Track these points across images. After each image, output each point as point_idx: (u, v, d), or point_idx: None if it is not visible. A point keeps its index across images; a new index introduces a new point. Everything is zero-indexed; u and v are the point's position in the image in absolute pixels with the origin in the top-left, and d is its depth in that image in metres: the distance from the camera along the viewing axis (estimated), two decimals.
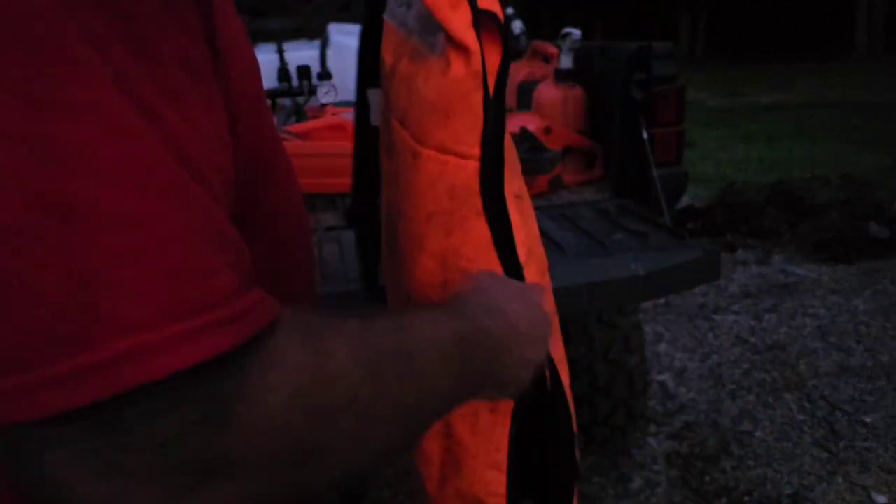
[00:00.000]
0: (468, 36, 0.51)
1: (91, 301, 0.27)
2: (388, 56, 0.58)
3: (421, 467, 0.63)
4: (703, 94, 10.60)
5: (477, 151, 0.54)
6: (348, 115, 1.93)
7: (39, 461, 0.29)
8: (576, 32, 2.15)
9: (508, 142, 0.58)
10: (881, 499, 2.04)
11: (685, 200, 4.42)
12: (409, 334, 0.43)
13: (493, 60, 0.53)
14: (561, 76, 2.18)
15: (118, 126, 0.29)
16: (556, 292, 1.51)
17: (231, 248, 0.33)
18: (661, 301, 3.39)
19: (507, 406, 0.62)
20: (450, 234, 0.55)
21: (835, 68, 13.35)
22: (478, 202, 0.54)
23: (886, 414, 2.45)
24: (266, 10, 3.06)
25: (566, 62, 2.18)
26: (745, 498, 2.09)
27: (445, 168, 0.54)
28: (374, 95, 0.71)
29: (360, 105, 0.77)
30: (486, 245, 0.56)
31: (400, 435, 0.42)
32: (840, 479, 2.13)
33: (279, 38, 2.69)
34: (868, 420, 2.42)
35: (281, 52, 2.51)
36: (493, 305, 0.51)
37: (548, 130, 2.05)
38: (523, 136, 2.00)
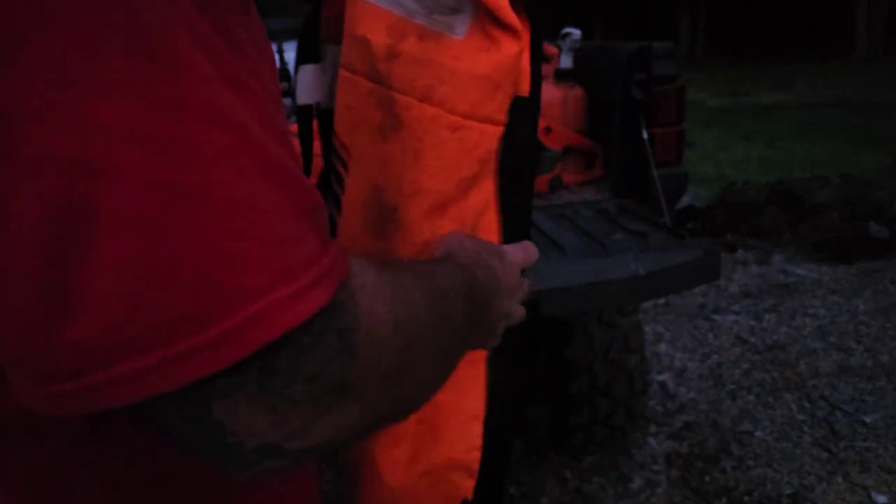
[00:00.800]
0: (513, 17, 0.57)
1: (218, 277, 0.32)
2: (378, 37, 0.57)
3: (384, 454, 0.65)
4: (703, 94, 10.61)
5: (505, 117, 0.59)
6: None
7: (208, 412, 0.34)
8: (576, 32, 2.15)
9: None
10: (881, 499, 2.04)
11: (685, 200, 4.41)
12: (440, 279, 0.49)
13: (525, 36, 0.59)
14: (561, 76, 2.18)
15: (227, 119, 0.33)
16: (557, 292, 1.52)
17: (315, 211, 0.38)
18: (661, 301, 3.39)
19: (481, 356, 0.66)
20: (468, 195, 0.60)
21: (835, 68, 13.35)
22: (494, 163, 0.60)
23: (886, 414, 2.45)
24: (266, 10, 3.06)
25: (566, 62, 2.18)
26: (745, 498, 2.09)
27: (483, 136, 0.58)
28: (303, 73, 0.71)
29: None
30: (491, 200, 0.62)
31: (446, 368, 0.49)
32: (840, 479, 2.14)
33: (279, 38, 2.69)
34: (868, 420, 2.42)
35: (281, 52, 2.51)
36: (480, 261, 0.57)
37: (548, 130, 2.05)
38: None
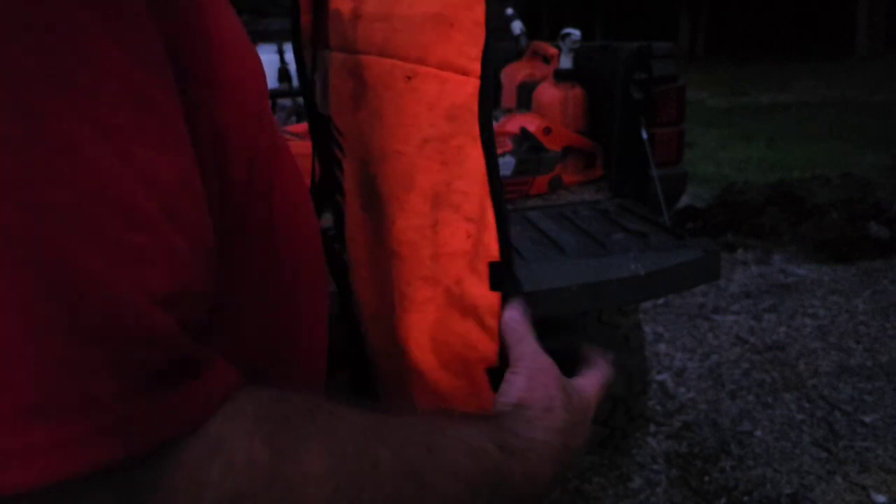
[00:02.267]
0: None
1: None
2: (344, 4, 0.55)
3: None
4: (703, 94, 10.61)
5: (478, 67, 0.51)
6: None
7: None
8: (575, 33, 2.15)
9: None
10: (880, 498, 2.04)
11: (685, 200, 4.42)
12: (433, 455, 0.34)
13: None
14: (561, 76, 2.19)
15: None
16: (557, 292, 1.52)
17: (136, 344, 0.27)
18: (661, 301, 3.39)
19: None
20: (445, 163, 0.51)
21: (835, 68, 13.35)
22: (475, 126, 0.51)
23: (886, 414, 2.45)
24: (266, 11, 3.06)
25: (566, 62, 2.18)
26: (745, 497, 2.09)
27: (445, 87, 0.50)
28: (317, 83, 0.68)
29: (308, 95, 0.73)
30: (482, 177, 0.52)
31: None
32: (839, 479, 2.14)
33: (279, 38, 2.69)
34: (867, 420, 2.42)
35: (281, 52, 2.51)
36: (540, 422, 0.44)
37: (548, 130, 2.05)
38: (523, 136, 2.00)
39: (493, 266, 0.53)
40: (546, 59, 2.46)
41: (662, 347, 3.00)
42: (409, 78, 0.50)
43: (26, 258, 0.25)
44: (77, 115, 0.27)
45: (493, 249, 0.53)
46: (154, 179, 0.29)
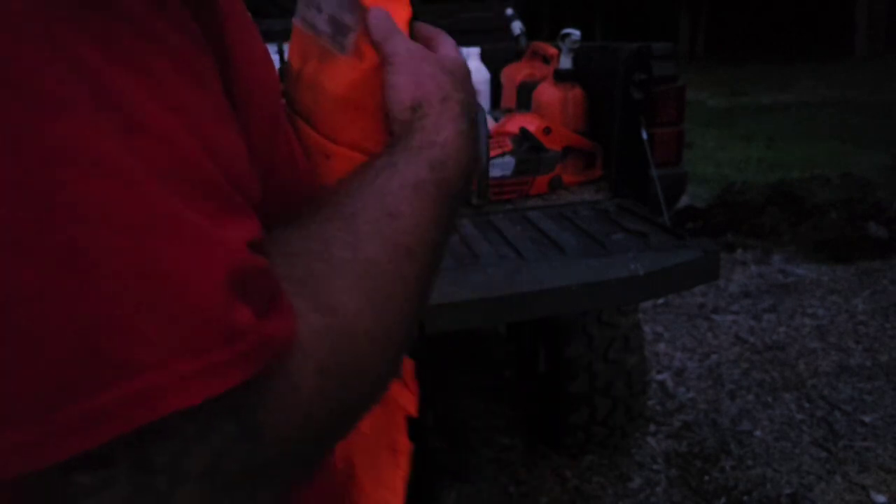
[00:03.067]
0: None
1: (97, 346, 0.27)
2: (295, 59, 0.55)
3: None
4: (703, 94, 10.61)
5: (376, 147, 0.51)
6: None
7: None
8: (575, 33, 2.15)
9: None
10: (880, 498, 2.05)
11: (685, 200, 4.42)
12: (399, 220, 0.39)
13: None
14: (561, 76, 2.19)
15: (106, 167, 0.28)
16: (557, 292, 1.53)
17: (250, 276, 0.31)
18: (661, 301, 3.39)
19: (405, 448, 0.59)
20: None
21: (835, 68, 13.35)
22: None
23: (885, 413, 2.45)
24: (266, 11, 3.06)
25: (566, 62, 2.18)
26: (745, 497, 2.09)
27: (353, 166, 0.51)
28: None
29: None
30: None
31: (414, 318, 0.41)
32: (839, 479, 2.14)
33: (279, 38, 2.69)
34: (867, 420, 2.42)
35: (281, 52, 2.51)
36: (445, 117, 0.46)
37: (548, 130, 2.05)
38: (523, 136, 2.01)
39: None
40: (546, 60, 2.47)
41: (662, 347, 3.01)
42: (327, 157, 0.51)
43: (167, 225, 0.28)
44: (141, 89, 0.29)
45: (410, 407, 0.56)
46: (218, 149, 0.32)
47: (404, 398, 0.57)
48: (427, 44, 0.52)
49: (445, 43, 0.53)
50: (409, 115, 0.46)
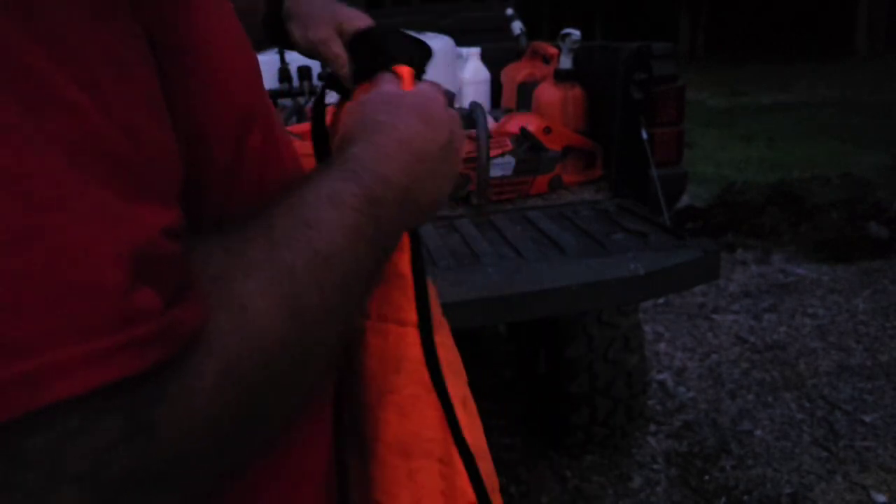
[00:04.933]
0: None
1: None
2: None
3: None
4: (703, 94, 10.61)
5: (413, 317, 0.52)
6: None
7: None
8: (575, 33, 2.15)
9: (450, 342, 0.56)
10: (880, 498, 2.05)
11: (685, 200, 4.42)
12: (316, 230, 0.38)
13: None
14: (561, 76, 2.19)
15: (3, 133, 0.26)
16: (557, 292, 1.53)
17: (157, 259, 0.29)
18: (661, 300, 3.39)
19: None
20: (403, 415, 0.52)
21: (835, 68, 13.35)
22: (426, 374, 0.52)
23: (886, 413, 2.45)
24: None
25: (566, 62, 2.18)
26: (745, 497, 2.09)
27: (388, 340, 0.52)
28: None
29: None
30: (441, 420, 0.52)
31: (336, 336, 0.40)
32: (839, 479, 2.14)
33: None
34: (867, 419, 2.42)
35: (281, 52, 2.51)
36: (387, 139, 0.46)
37: (548, 130, 2.06)
38: (523, 136, 2.01)
39: None
40: (546, 59, 2.47)
41: (662, 347, 3.01)
42: (360, 332, 0.52)
43: (67, 196, 0.27)
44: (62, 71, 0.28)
45: (468, 494, 0.53)
46: (137, 134, 0.31)
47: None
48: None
49: (432, 92, 0.52)
50: (346, 143, 0.46)
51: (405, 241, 0.53)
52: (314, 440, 0.49)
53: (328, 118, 0.62)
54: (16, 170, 0.26)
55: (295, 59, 2.51)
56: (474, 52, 2.59)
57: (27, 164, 0.26)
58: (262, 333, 0.33)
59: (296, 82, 2.39)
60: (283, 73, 2.43)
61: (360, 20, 0.61)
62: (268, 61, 2.45)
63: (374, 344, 0.52)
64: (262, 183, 0.43)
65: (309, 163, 0.60)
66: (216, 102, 0.38)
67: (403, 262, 0.53)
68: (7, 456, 0.26)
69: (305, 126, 2.06)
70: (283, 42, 0.64)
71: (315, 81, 2.39)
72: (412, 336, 0.52)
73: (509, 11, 2.91)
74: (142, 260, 0.28)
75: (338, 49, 0.60)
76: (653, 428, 2.46)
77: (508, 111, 2.44)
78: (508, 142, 1.99)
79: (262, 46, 0.69)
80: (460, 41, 2.60)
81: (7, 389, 0.25)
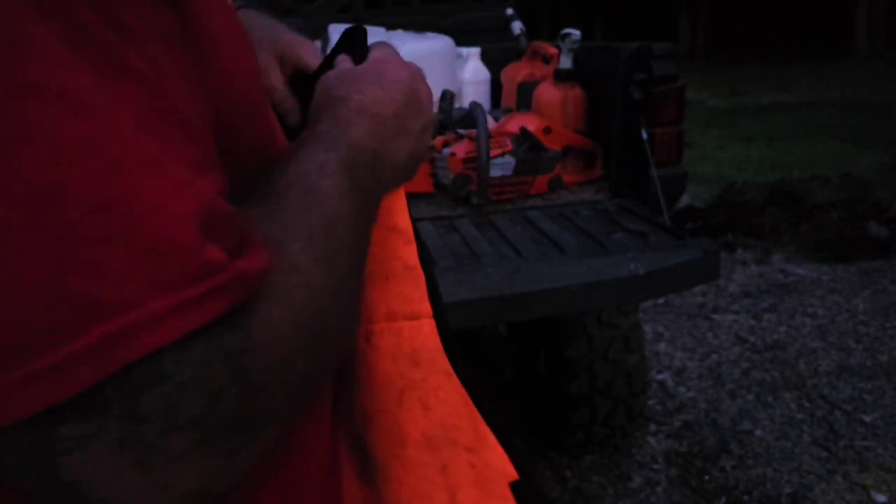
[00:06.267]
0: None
1: (69, 287, 0.27)
2: None
3: None
4: (703, 94, 10.60)
5: (427, 307, 0.53)
6: None
7: (57, 466, 0.27)
8: (575, 33, 2.15)
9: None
10: (880, 498, 2.05)
11: (685, 200, 4.42)
12: (319, 196, 0.41)
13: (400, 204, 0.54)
14: (561, 76, 2.19)
15: (82, 104, 0.28)
16: (557, 292, 1.53)
17: (219, 219, 0.31)
18: (661, 300, 3.39)
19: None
20: (427, 408, 0.51)
21: (835, 68, 13.35)
22: (445, 361, 0.52)
23: (886, 413, 2.45)
24: (267, 11, 3.06)
25: (566, 62, 2.18)
26: (745, 497, 2.09)
27: (401, 336, 0.52)
28: None
29: None
30: (465, 404, 0.53)
31: (360, 294, 0.44)
32: (839, 478, 2.14)
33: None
34: (867, 419, 2.42)
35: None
36: (346, 110, 0.47)
37: (548, 130, 2.06)
38: (523, 136, 2.01)
39: (513, 486, 0.53)
40: (546, 59, 2.47)
41: (662, 347, 3.01)
42: (367, 338, 0.52)
43: (140, 163, 0.29)
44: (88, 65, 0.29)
45: (506, 468, 0.53)
46: (191, 103, 0.34)
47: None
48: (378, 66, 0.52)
49: (391, 60, 0.53)
50: (313, 124, 0.47)
51: (409, 231, 0.53)
52: (313, 446, 0.49)
53: None
54: (93, 136, 0.28)
55: None
56: (474, 52, 2.59)
57: (104, 130, 0.28)
58: (314, 288, 0.37)
59: None
60: None
61: (302, 48, 0.59)
62: None
63: (385, 345, 0.52)
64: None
65: None
66: (230, 89, 0.40)
67: (411, 253, 0.53)
68: (125, 410, 0.28)
69: None
70: None
71: None
72: (427, 326, 0.53)
73: (509, 11, 2.90)
74: (207, 219, 0.30)
75: (276, 81, 0.58)
76: (653, 428, 2.46)
77: (508, 111, 2.44)
78: (508, 142, 1.99)
79: None
80: (460, 41, 2.60)
81: (108, 345, 0.27)
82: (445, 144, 2.02)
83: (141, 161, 0.29)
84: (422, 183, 2.01)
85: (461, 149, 1.93)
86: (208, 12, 0.39)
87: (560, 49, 2.22)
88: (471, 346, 2.98)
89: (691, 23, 19.88)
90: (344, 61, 0.54)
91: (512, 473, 0.53)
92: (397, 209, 0.55)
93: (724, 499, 2.09)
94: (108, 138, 0.28)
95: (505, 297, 1.50)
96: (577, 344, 2.08)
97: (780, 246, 4.03)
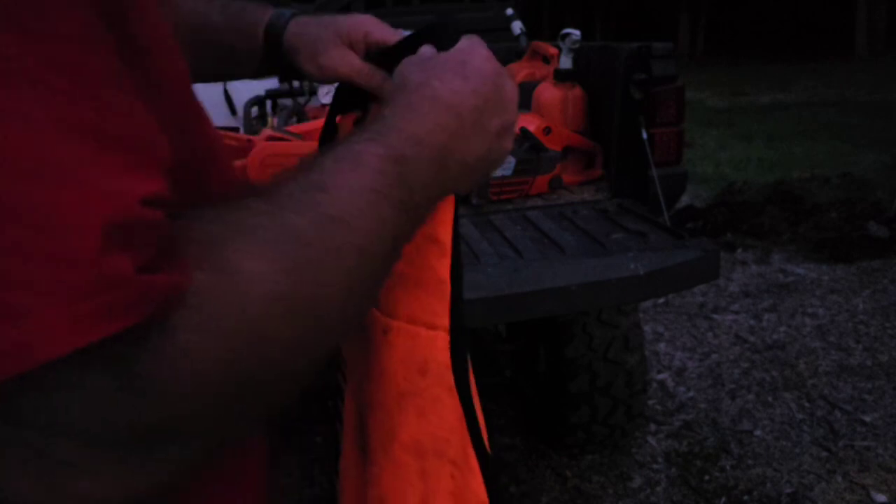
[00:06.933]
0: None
1: None
2: None
3: None
4: (703, 94, 10.61)
5: (446, 322, 0.53)
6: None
7: None
8: (575, 33, 2.15)
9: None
10: (881, 497, 2.05)
11: (685, 200, 4.43)
12: (330, 192, 0.37)
13: (446, 222, 0.53)
14: (561, 76, 2.19)
15: None
16: (557, 292, 1.53)
17: (134, 227, 0.30)
18: (661, 300, 3.39)
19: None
20: (422, 415, 0.52)
21: (835, 68, 13.35)
22: (450, 377, 0.52)
23: (886, 413, 2.45)
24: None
25: (566, 62, 2.18)
26: (745, 497, 2.09)
27: (416, 342, 0.52)
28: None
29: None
30: (460, 423, 0.53)
31: (359, 298, 0.39)
32: (839, 478, 2.14)
33: None
34: (867, 419, 2.42)
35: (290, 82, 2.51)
36: (419, 97, 0.44)
37: (548, 130, 2.06)
38: (523, 136, 2.01)
39: None
40: (546, 59, 2.47)
41: (662, 347, 3.01)
42: (385, 332, 0.52)
43: (43, 168, 0.28)
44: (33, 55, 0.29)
45: (481, 495, 0.54)
46: (114, 107, 0.31)
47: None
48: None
49: (475, 48, 0.50)
50: (382, 108, 0.45)
51: (447, 243, 0.53)
52: (251, 448, 0.49)
53: (346, 126, 0.60)
54: (2, 143, 0.27)
55: None
56: None
57: (14, 137, 0.28)
58: (246, 292, 0.33)
59: (296, 83, 2.39)
60: (285, 74, 2.43)
61: (368, 24, 0.59)
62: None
63: (399, 345, 0.52)
64: (203, 186, 0.42)
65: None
66: (164, 93, 0.38)
67: (444, 266, 0.53)
68: (6, 414, 0.28)
69: (305, 126, 2.06)
70: (294, 75, 0.62)
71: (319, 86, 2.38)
72: (442, 340, 0.52)
73: (509, 11, 2.91)
74: (118, 229, 0.29)
75: (354, 63, 0.57)
76: (653, 428, 2.46)
77: None
78: None
79: (261, 74, 0.66)
80: None
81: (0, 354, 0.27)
82: None
83: (52, 167, 0.28)
84: None
85: None
86: (141, 21, 0.38)
87: (560, 49, 2.22)
88: (471, 346, 2.97)
89: (691, 23, 19.89)
90: (428, 49, 0.51)
91: (486, 502, 0.54)
92: (441, 219, 0.53)
93: (724, 499, 2.09)
94: (18, 145, 0.28)
95: (505, 297, 1.50)
96: (577, 343, 2.08)
97: (780, 246, 4.04)
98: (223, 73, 0.71)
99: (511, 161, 1.97)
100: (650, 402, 2.54)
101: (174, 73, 0.41)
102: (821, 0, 18.32)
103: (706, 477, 2.19)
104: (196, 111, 0.44)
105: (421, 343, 0.52)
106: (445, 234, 0.53)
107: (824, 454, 2.26)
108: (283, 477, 2.27)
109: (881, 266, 3.68)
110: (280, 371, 0.36)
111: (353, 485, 0.58)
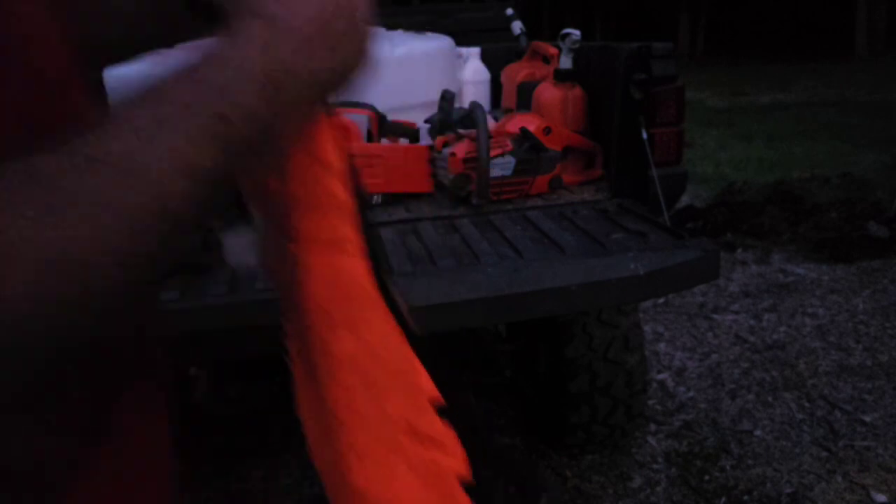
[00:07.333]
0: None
1: None
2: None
3: None
4: (703, 94, 10.61)
5: (355, 239, 0.52)
6: (351, 116, 1.93)
7: None
8: (575, 33, 2.15)
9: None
10: (881, 497, 2.05)
11: (685, 200, 4.43)
12: (105, 131, 0.35)
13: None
14: (561, 76, 2.19)
15: None
16: (557, 292, 1.53)
17: None
18: (661, 300, 3.39)
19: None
20: (359, 338, 0.52)
21: (835, 68, 13.35)
22: (376, 296, 0.52)
23: (886, 413, 2.45)
24: None
25: (566, 62, 2.18)
26: (745, 497, 2.09)
27: (333, 268, 0.51)
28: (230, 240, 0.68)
29: None
30: (394, 331, 0.53)
31: (134, 228, 0.35)
32: (839, 478, 2.14)
33: None
34: (867, 419, 2.42)
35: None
36: (247, 18, 0.39)
37: (548, 130, 2.06)
38: (523, 136, 2.01)
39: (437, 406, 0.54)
40: (546, 59, 2.47)
41: (662, 347, 3.01)
42: (295, 262, 0.51)
43: None
44: None
45: (431, 392, 0.53)
46: None
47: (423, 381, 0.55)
48: None
49: None
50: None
51: (338, 168, 0.52)
52: (150, 437, 0.48)
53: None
54: None
55: None
56: (474, 52, 2.59)
57: None
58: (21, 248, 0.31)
59: None
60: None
61: None
62: None
63: (317, 269, 0.51)
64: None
65: None
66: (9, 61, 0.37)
67: (338, 186, 0.52)
68: None
69: None
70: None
71: None
72: (362, 268, 0.52)
73: (509, 11, 2.91)
74: None
75: None
76: (653, 428, 2.46)
77: (508, 111, 2.44)
78: (508, 142, 1.99)
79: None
80: (460, 41, 2.60)
81: None
82: (445, 144, 2.02)
83: None
84: (422, 183, 2.01)
85: (461, 149, 1.93)
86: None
87: (560, 49, 2.22)
88: (471, 346, 2.98)
89: (691, 23, 19.88)
90: None
91: (438, 398, 0.54)
92: (322, 138, 0.51)
93: (724, 499, 2.09)
94: None
95: (505, 297, 1.50)
96: (577, 343, 2.08)
97: (780, 246, 4.04)
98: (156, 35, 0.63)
99: (511, 161, 1.97)
100: (650, 402, 2.54)
101: (30, 36, 0.39)
102: (821, 0, 18.32)
103: (706, 477, 2.19)
104: (51, 75, 0.41)
105: (341, 268, 0.51)
106: (332, 154, 0.51)
107: (824, 454, 2.26)
108: (283, 477, 2.28)
109: (881, 266, 3.68)
110: (48, 325, 0.33)
111: (310, 408, 0.57)
